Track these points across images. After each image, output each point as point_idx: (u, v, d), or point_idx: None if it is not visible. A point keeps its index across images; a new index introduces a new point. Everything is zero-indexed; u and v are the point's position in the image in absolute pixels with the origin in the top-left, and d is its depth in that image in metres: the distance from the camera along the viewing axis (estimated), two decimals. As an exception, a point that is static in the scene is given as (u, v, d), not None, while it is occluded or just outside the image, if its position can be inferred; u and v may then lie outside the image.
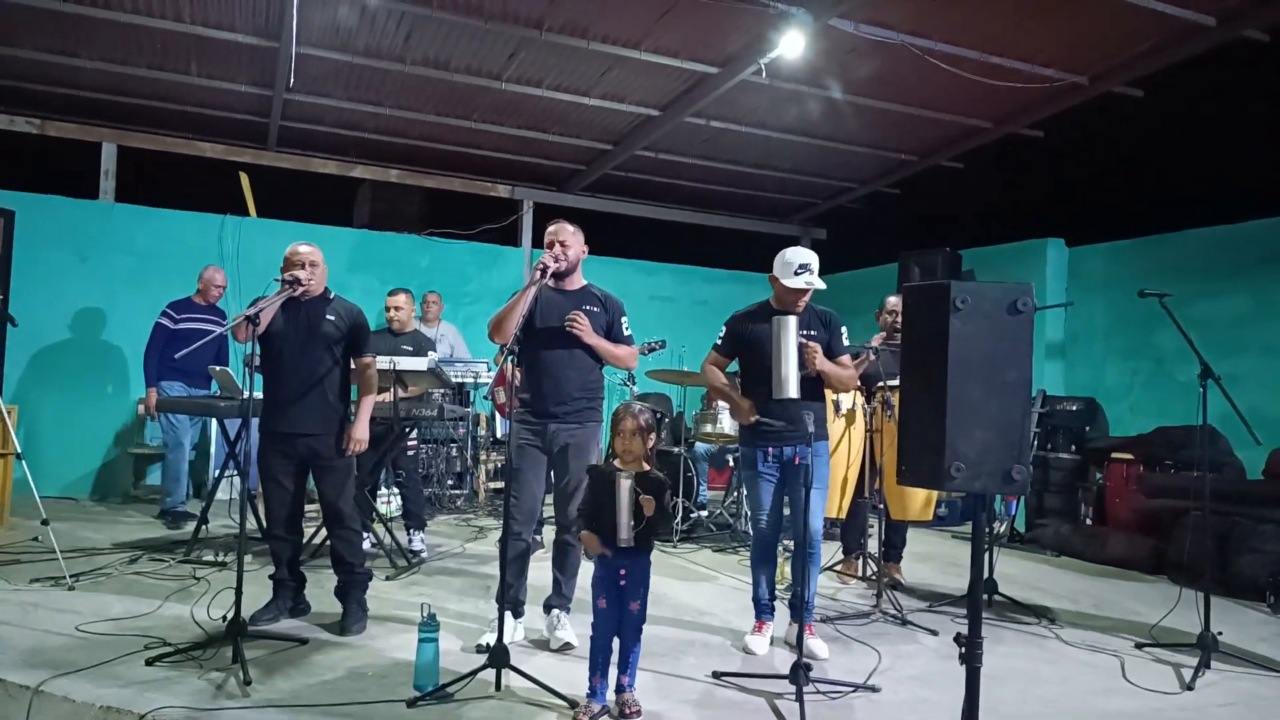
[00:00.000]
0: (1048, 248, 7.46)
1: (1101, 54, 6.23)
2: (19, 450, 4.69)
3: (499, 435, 7.79)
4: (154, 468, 7.59)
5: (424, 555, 5.32)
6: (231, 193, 8.19)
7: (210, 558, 5.00)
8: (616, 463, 3.16)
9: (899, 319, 5.05)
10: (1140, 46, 6.08)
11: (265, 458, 3.86)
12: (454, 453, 7.28)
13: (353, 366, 4.03)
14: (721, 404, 6.20)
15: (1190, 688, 3.47)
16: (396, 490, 6.03)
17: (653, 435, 3.17)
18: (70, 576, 4.40)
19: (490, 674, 3.16)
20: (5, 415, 4.74)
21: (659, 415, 3.22)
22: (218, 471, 7.39)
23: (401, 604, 4.30)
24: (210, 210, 7.88)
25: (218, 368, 5.35)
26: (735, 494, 6.57)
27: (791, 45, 5.58)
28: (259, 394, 3.82)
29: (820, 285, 3.71)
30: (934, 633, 4.11)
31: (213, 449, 7.58)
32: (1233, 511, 5.25)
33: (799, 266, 3.69)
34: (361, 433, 3.87)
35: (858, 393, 4.53)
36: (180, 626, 3.77)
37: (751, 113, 7.41)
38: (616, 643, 3.05)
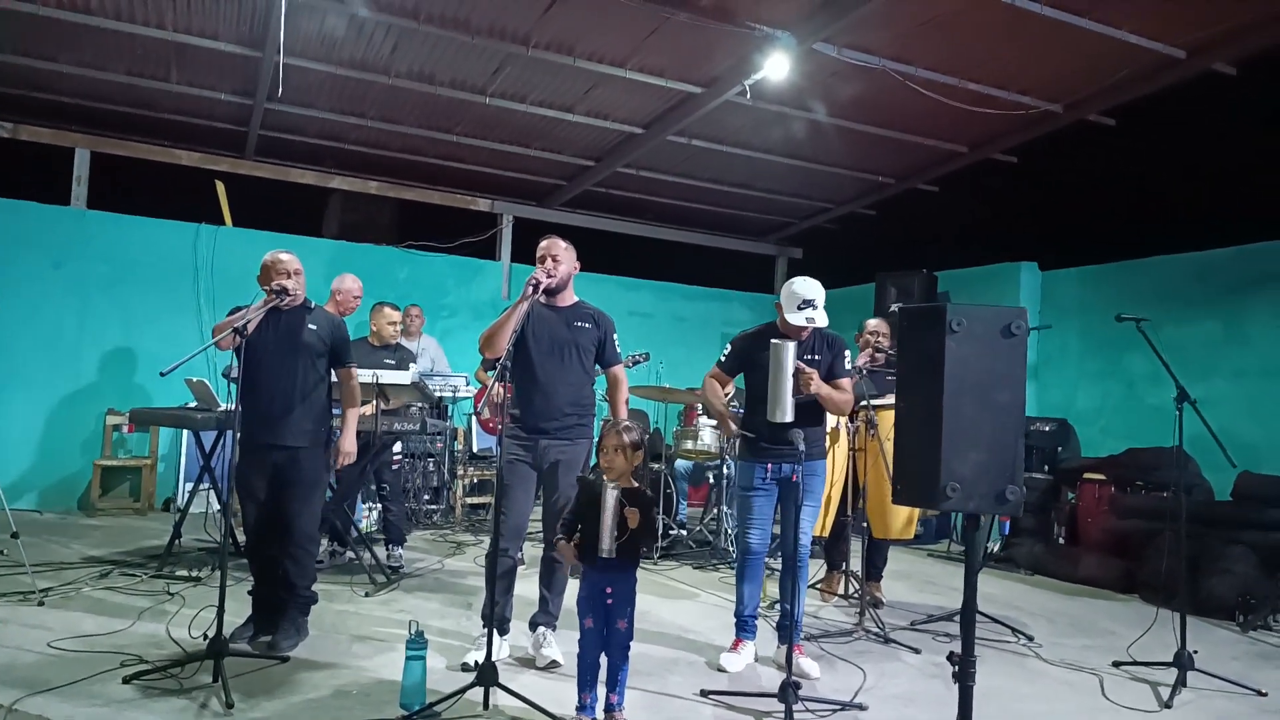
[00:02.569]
0: (1021, 271, 7.61)
1: (1076, 83, 6.38)
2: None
3: (475, 450, 7.75)
4: (122, 480, 7.43)
5: (403, 570, 5.26)
6: (207, 201, 8.09)
7: (184, 573, 4.90)
8: (605, 477, 3.16)
9: (880, 339, 5.14)
10: (1114, 77, 6.23)
11: (243, 472, 3.74)
12: (430, 467, 7.21)
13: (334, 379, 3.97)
14: (704, 420, 6.23)
15: (1169, 705, 3.53)
16: (372, 505, 5.96)
17: (639, 453, 3.17)
18: (40, 591, 4.30)
19: (477, 692, 3.13)
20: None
21: (645, 434, 3.22)
22: (191, 485, 7.33)
23: (382, 620, 4.25)
24: (185, 219, 7.78)
25: (194, 379, 5.26)
26: (715, 511, 6.57)
27: (776, 68, 5.65)
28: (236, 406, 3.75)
29: (822, 322, 3.75)
30: (916, 651, 4.14)
31: (182, 461, 7.46)
32: (1203, 533, 5.36)
33: (803, 302, 3.74)
34: (349, 445, 3.82)
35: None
36: (156, 644, 3.69)
37: (733, 132, 7.49)
38: (604, 660, 3.05)
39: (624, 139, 7.64)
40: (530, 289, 3.56)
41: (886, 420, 4.56)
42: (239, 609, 3.92)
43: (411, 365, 5.48)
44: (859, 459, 4.65)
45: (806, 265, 11.17)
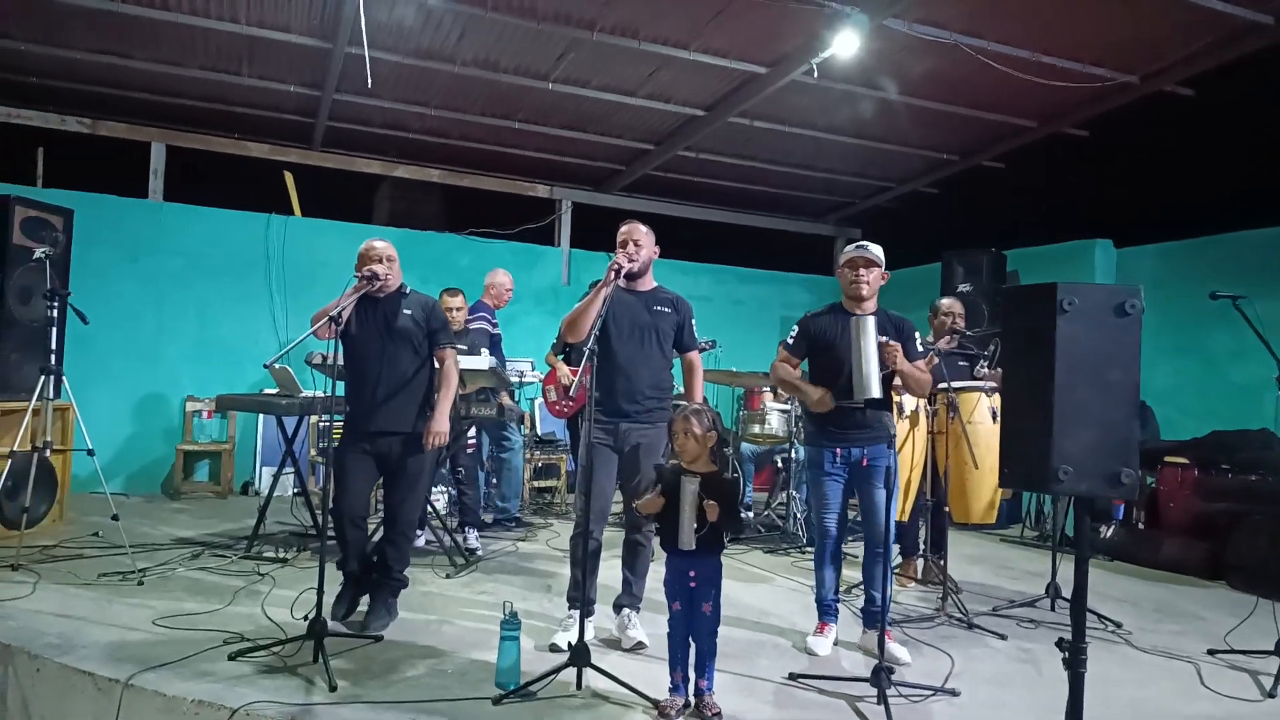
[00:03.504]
0: (1095, 248, 7.40)
1: (1154, 53, 6.18)
2: (90, 447, 4.75)
3: (540, 434, 7.82)
4: (201, 464, 7.68)
5: (480, 554, 5.34)
6: (277, 192, 8.26)
7: (271, 554, 5.04)
8: (681, 462, 3.16)
9: (958, 321, 5.05)
10: (1194, 45, 6.03)
11: (344, 453, 3.84)
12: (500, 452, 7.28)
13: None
14: (771, 404, 6.19)
15: (1273, 695, 3.43)
16: (447, 489, 6.07)
17: (711, 435, 3.14)
18: (139, 571, 4.47)
19: (570, 673, 3.17)
20: (75, 412, 4.79)
21: (717, 416, 3.19)
22: (268, 469, 7.54)
23: (466, 602, 4.33)
24: (255, 209, 7.95)
25: (277, 365, 5.39)
26: (783, 495, 6.55)
27: (846, 45, 5.57)
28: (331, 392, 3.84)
29: (875, 251, 3.73)
30: (1003, 636, 4.09)
31: (259, 446, 7.67)
32: (1296, 516, 5.19)
33: (855, 246, 3.77)
34: (441, 425, 3.84)
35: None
36: (254, 623, 3.81)
37: (795, 112, 7.40)
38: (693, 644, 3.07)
39: (685, 121, 7.60)
40: (612, 274, 3.58)
41: (968, 403, 4.49)
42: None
43: (483, 350, 5.54)
44: (939, 442, 4.58)
45: (866, 246, 11.02)
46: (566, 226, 9.32)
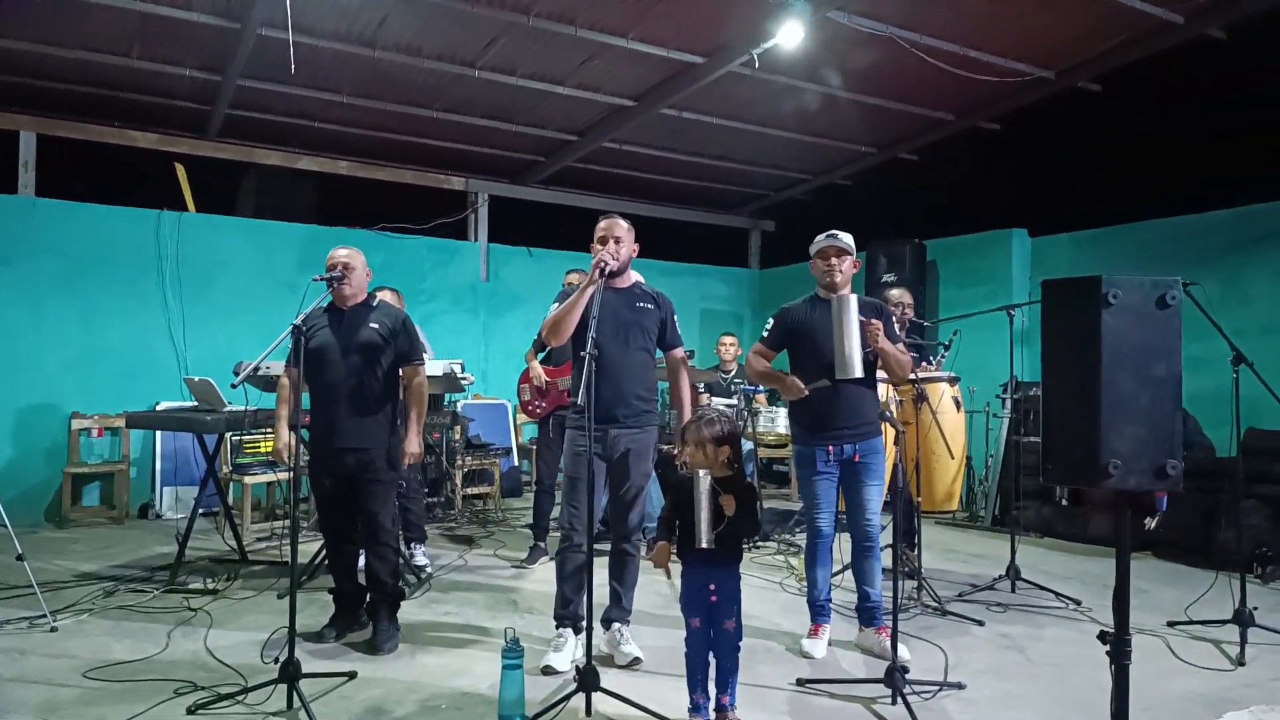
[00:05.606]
0: (1012, 238, 7.68)
1: (1071, 49, 6.42)
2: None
3: (469, 438, 7.50)
4: (91, 487, 6.97)
5: (429, 570, 5.03)
6: (167, 186, 7.57)
7: (198, 585, 4.58)
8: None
9: (906, 310, 5.09)
10: (1108, 42, 6.30)
11: (317, 477, 3.67)
12: (429, 458, 6.93)
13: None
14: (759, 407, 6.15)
15: (1242, 663, 3.59)
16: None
17: (724, 448, 2.99)
18: (50, 614, 3.95)
19: (578, 698, 2.97)
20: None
21: (732, 423, 3.06)
22: (168, 489, 6.91)
23: (432, 625, 4.05)
24: (144, 205, 7.26)
25: (195, 378, 4.91)
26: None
27: (790, 36, 5.52)
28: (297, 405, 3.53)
29: (846, 239, 3.71)
30: (979, 623, 4.14)
31: (157, 464, 7.02)
32: (1214, 488, 5.51)
33: (825, 236, 3.73)
34: (415, 446, 3.62)
35: (889, 385, 4.51)
36: (202, 666, 3.43)
37: (721, 104, 7.32)
38: (712, 659, 2.92)
39: (612, 112, 7.41)
40: (597, 272, 3.39)
41: (934, 393, 4.52)
42: (269, 620, 3.70)
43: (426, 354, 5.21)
44: (909, 433, 4.59)
45: (780, 238, 11.14)
46: (484, 220, 8.97)
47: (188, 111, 7.11)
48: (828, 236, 3.75)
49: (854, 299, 3.56)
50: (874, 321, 3.59)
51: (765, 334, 3.88)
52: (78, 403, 6.82)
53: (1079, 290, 2.35)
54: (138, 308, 7.14)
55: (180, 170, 7.60)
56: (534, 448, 6.05)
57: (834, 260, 3.71)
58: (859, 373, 3.52)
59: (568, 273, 5.80)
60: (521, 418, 8.28)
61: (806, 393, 3.64)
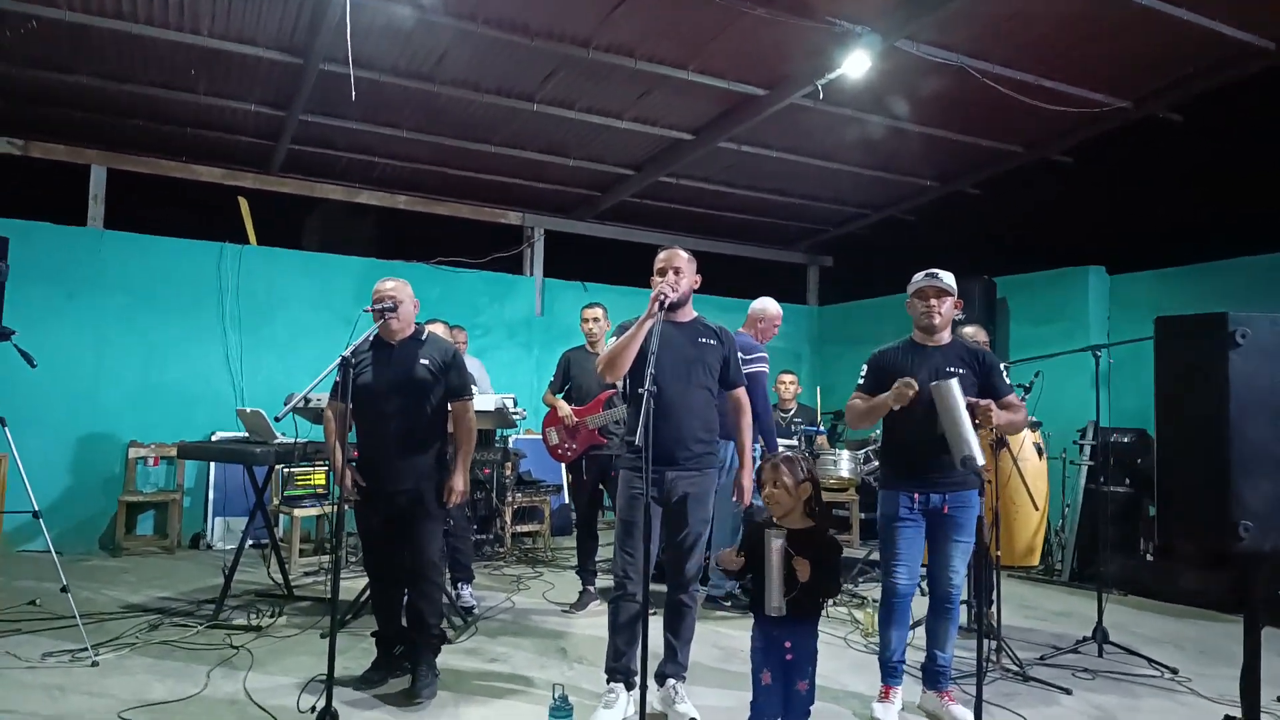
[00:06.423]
0: (1089, 274, 7.32)
1: (1148, 76, 6.13)
2: (36, 508, 4.13)
3: (521, 475, 7.35)
4: (145, 516, 6.99)
5: (477, 611, 4.86)
6: (230, 220, 7.67)
7: (241, 621, 4.48)
8: (772, 516, 2.81)
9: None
10: (1188, 69, 5.99)
11: (364, 517, 3.58)
12: (478, 495, 6.80)
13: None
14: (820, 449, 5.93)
15: (1372, 748, 3.21)
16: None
17: (805, 485, 2.81)
18: (91, 648, 3.87)
19: (631, 763, 2.76)
20: (19, 466, 4.19)
21: (810, 464, 2.86)
22: (219, 518, 6.89)
23: (478, 674, 3.86)
24: (207, 238, 7.36)
25: (248, 409, 4.86)
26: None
27: (856, 65, 5.35)
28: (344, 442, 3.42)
29: (947, 279, 3.44)
30: (1067, 691, 3.80)
31: (210, 494, 7.02)
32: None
33: (924, 274, 3.47)
34: (461, 484, 3.48)
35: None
36: (239, 709, 3.29)
37: (781, 137, 7.17)
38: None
39: (670, 145, 7.31)
40: (656, 305, 3.22)
41: (1015, 439, 4.24)
42: (312, 664, 3.53)
43: (474, 389, 5.09)
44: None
45: (839, 273, 10.90)
46: (540, 255, 8.93)
47: (251, 146, 7.21)
48: (927, 275, 3.48)
49: (953, 384, 3.19)
50: (983, 403, 3.27)
51: (861, 381, 3.58)
52: (136, 432, 6.86)
53: (1201, 328, 2.11)
54: (197, 339, 7.20)
55: (243, 204, 7.71)
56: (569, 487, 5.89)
57: (933, 301, 3.46)
58: (980, 458, 3.11)
59: (585, 307, 5.56)
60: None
61: (915, 389, 3.24)
